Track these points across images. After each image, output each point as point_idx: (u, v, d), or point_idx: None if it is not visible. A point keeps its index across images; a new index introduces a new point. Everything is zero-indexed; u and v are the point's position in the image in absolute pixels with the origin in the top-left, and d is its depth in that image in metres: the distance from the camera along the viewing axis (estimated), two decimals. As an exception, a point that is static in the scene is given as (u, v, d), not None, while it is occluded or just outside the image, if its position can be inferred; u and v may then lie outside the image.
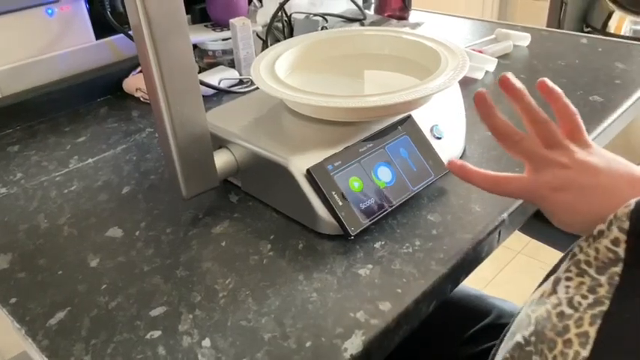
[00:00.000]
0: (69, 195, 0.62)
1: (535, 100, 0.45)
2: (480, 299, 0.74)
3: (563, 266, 0.38)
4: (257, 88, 0.64)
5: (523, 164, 0.45)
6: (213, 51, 0.90)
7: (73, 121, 0.80)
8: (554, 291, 0.37)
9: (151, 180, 0.64)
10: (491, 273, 1.74)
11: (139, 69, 0.87)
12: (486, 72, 0.83)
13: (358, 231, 0.50)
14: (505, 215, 0.53)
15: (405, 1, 1.08)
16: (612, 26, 1.91)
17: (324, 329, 0.42)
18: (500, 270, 1.76)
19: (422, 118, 0.58)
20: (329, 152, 0.52)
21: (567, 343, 0.34)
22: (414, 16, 1.12)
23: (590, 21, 2.01)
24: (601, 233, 0.36)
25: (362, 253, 0.49)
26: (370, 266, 0.48)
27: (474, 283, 0.75)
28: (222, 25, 0.92)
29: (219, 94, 0.83)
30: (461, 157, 0.62)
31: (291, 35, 0.94)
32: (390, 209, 0.52)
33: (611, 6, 1.90)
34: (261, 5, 0.96)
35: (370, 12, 1.12)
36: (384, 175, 0.53)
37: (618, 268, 0.34)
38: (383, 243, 0.50)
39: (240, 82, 0.86)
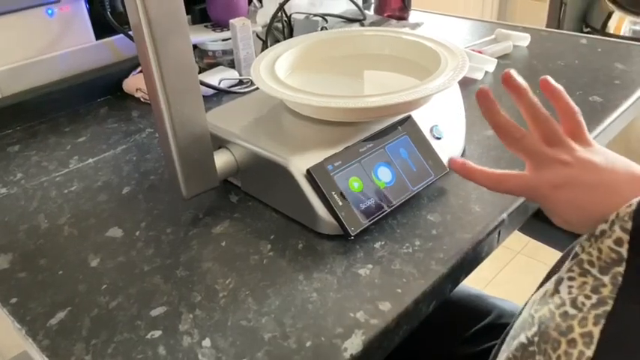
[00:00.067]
0: (69, 195, 0.62)
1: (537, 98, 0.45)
2: (480, 299, 0.74)
3: (566, 266, 0.38)
4: (257, 88, 0.64)
5: (523, 165, 0.45)
6: (213, 51, 0.90)
7: (73, 121, 0.80)
8: (556, 291, 0.37)
9: (151, 180, 0.64)
10: (491, 273, 1.75)
11: (138, 69, 0.87)
12: (486, 72, 0.83)
13: (358, 231, 0.50)
14: (505, 215, 0.53)
15: (404, 1, 1.08)
16: (612, 26, 1.91)
17: (324, 329, 0.42)
18: (500, 270, 1.76)
19: (422, 118, 0.58)
20: (329, 152, 0.52)
21: (571, 343, 0.34)
22: (413, 16, 1.12)
23: (589, 21, 2.01)
24: (603, 233, 0.36)
25: (362, 253, 0.49)
26: (370, 266, 0.48)
27: (473, 283, 0.75)
28: (222, 25, 0.92)
29: (219, 95, 0.83)
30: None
31: (291, 36, 0.94)
32: (389, 209, 0.52)
33: (611, 6, 1.90)
34: (261, 6, 0.96)
35: (370, 12, 1.12)
36: (384, 175, 0.53)
37: (621, 268, 0.34)
38: (383, 243, 0.50)
39: (240, 82, 0.86)
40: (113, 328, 0.44)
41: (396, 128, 0.56)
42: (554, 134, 0.43)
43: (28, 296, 0.48)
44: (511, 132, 0.45)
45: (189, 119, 0.50)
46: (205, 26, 0.93)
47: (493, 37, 0.96)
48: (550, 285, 0.38)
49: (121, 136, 0.75)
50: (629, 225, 0.34)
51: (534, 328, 0.37)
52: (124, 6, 0.82)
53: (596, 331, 0.34)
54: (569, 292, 0.36)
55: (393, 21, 1.05)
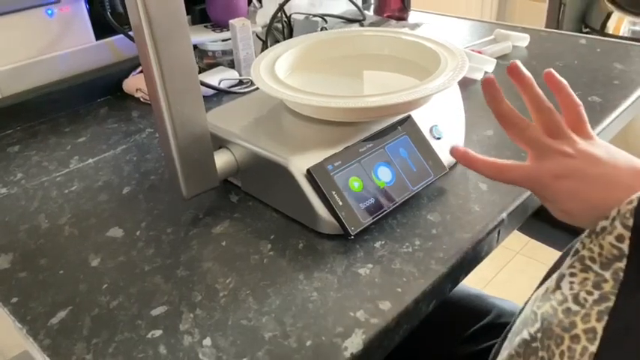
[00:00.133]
0: (69, 195, 0.62)
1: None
2: (479, 298, 0.74)
3: (567, 262, 0.38)
4: (257, 88, 0.64)
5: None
6: (213, 51, 0.90)
7: (73, 121, 0.80)
8: (558, 287, 0.37)
9: (152, 180, 0.64)
10: (491, 273, 1.75)
11: (139, 69, 0.88)
12: (485, 72, 0.83)
13: (358, 230, 0.50)
14: (504, 215, 0.53)
15: (404, 1, 1.08)
16: (611, 27, 1.91)
17: (325, 328, 0.42)
18: (499, 270, 1.76)
19: (421, 118, 0.58)
20: (329, 152, 0.52)
21: (575, 338, 0.34)
22: (413, 16, 1.12)
23: (588, 21, 2.01)
24: (604, 229, 0.36)
25: (362, 253, 0.50)
26: (370, 265, 0.48)
27: (473, 283, 0.75)
28: (222, 25, 0.92)
29: (219, 95, 0.84)
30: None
31: (290, 36, 0.94)
32: (389, 209, 0.53)
33: (610, 7, 1.90)
34: (261, 6, 0.96)
35: (370, 13, 1.12)
36: (384, 175, 0.53)
37: (622, 264, 0.34)
38: (383, 242, 0.51)
39: (240, 82, 0.86)
40: (114, 327, 0.44)
41: (396, 128, 0.56)
42: (556, 126, 0.44)
43: (28, 296, 0.48)
44: (514, 121, 0.45)
45: (190, 119, 0.50)
46: (205, 26, 0.93)
47: (492, 37, 0.97)
48: (551, 282, 0.38)
49: (121, 136, 0.75)
50: (630, 222, 0.34)
51: (537, 325, 0.37)
52: (124, 6, 0.82)
53: (600, 328, 0.34)
54: (571, 288, 0.36)
55: (393, 21, 1.05)
